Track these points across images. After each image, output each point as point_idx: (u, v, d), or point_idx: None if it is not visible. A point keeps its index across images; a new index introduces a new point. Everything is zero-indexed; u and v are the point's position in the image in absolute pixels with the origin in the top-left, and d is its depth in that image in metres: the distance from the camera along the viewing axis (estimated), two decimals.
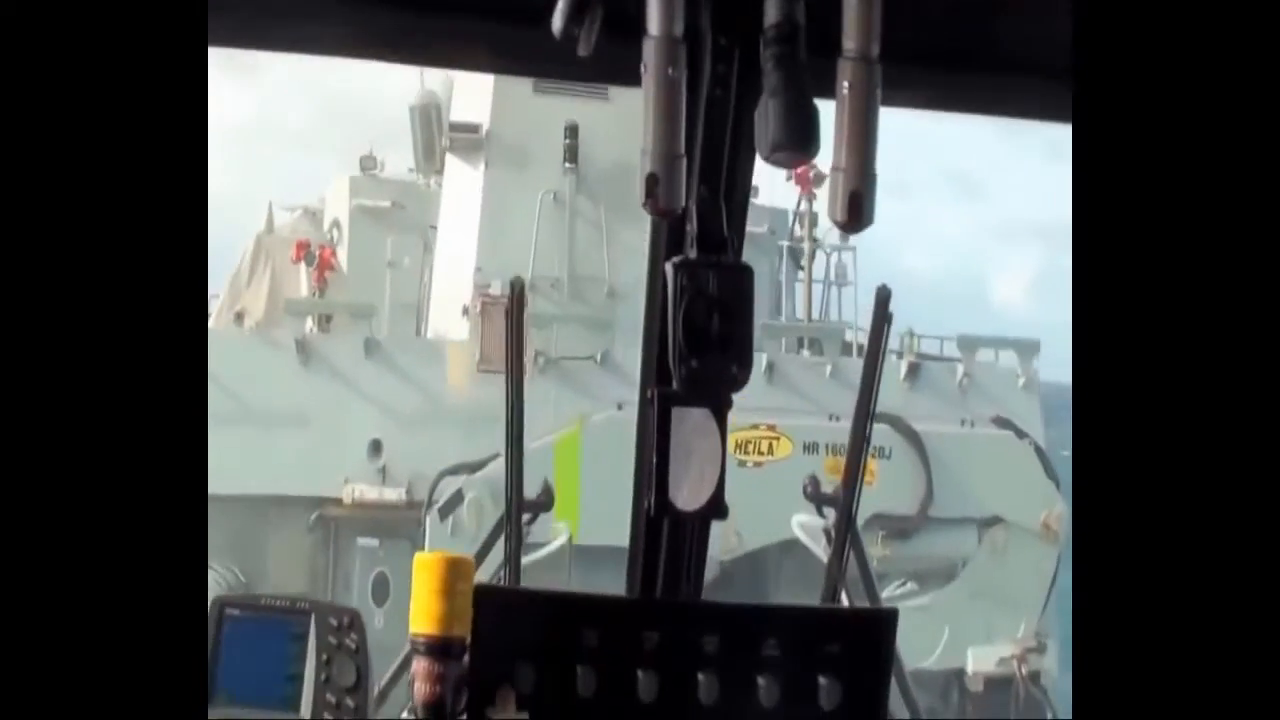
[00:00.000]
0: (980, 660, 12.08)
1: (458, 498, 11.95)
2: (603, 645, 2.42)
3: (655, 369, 2.37)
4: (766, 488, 8.57)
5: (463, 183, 14.28)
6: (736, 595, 11.57)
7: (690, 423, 2.35)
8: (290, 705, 2.44)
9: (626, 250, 12.84)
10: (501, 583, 3.22)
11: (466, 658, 2.33)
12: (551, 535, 10.86)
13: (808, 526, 9.40)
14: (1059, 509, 12.48)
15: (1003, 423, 12.92)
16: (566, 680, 2.41)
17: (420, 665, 2.29)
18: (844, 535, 3.10)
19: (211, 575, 11.61)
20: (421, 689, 2.28)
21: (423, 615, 2.29)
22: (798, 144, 1.86)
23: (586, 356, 12.92)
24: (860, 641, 2.48)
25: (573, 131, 13.41)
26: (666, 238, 2.38)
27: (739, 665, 2.42)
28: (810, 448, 12.20)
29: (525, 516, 3.25)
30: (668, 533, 2.55)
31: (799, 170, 13.14)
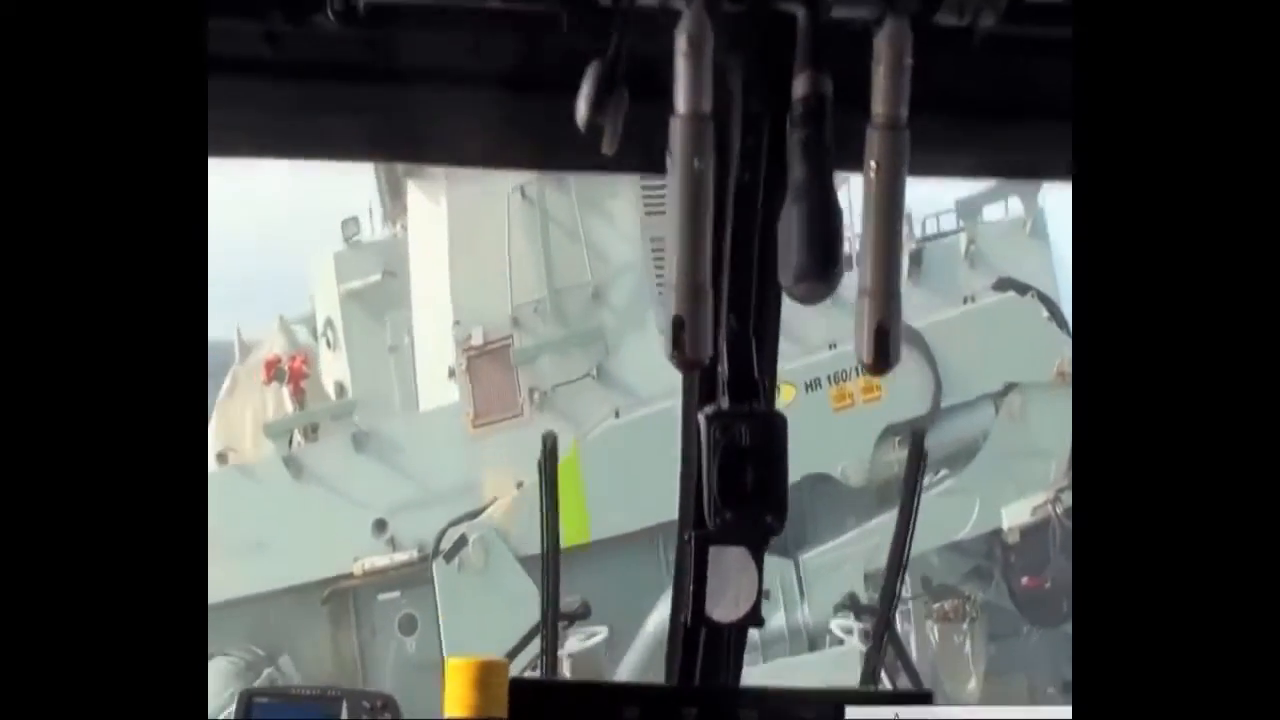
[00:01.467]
0: (1014, 515, 12.20)
1: (462, 541, 12.02)
2: (644, 718, 2.45)
3: (693, 513, 2.39)
4: None
5: (428, 221, 13.67)
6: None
7: (728, 559, 2.38)
8: None
9: (602, 243, 12.69)
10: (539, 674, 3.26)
11: None
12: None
13: (845, 628, 9.88)
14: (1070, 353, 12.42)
15: (1004, 284, 12.60)
16: None
17: None
18: (882, 630, 3.30)
19: (228, 661, 11.79)
20: None
21: (457, 705, 2.27)
22: (821, 273, 1.81)
23: (582, 376, 12.70)
24: None
25: None
26: (699, 383, 2.40)
27: None
28: (812, 385, 12.03)
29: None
30: (706, 630, 2.56)
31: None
